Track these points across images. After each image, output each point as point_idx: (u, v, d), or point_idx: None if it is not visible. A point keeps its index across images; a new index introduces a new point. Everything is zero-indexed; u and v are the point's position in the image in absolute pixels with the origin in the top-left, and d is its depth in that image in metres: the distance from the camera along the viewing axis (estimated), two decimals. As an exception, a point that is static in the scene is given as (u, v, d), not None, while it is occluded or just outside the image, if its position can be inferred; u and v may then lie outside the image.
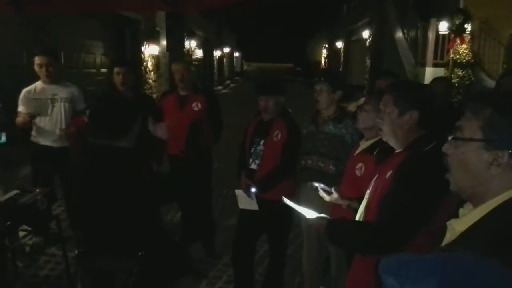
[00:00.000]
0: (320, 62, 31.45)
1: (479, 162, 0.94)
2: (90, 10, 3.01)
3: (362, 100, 2.98)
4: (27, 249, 3.68)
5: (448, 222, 1.03)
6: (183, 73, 3.55)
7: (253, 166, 2.85)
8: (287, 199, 1.97)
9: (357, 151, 2.33)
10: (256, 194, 2.72)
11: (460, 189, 1.00)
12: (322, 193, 2.19)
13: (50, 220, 3.35)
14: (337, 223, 1.73)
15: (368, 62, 15.06)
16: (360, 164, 2.24)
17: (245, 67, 47.65)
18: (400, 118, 1.62)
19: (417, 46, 10.39)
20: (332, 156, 2.64)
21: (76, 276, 1.99)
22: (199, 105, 3.57)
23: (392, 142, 1.68)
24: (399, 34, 11.88)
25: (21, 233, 3.36)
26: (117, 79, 3.53)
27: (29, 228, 3.02)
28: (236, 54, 37.24)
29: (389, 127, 1.66)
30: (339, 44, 22.22)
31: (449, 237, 1.02)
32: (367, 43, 15.38)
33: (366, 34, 15.32)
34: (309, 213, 1.81)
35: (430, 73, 9.34)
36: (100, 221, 1.92)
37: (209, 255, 3.71)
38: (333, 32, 24.82)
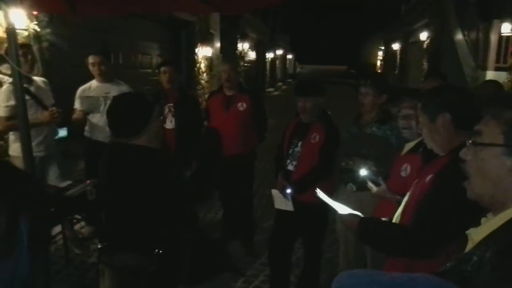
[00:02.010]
0: (375, 64, 30.65)
1: (500, 169, 0.90)
2: (140, 11, 3.16)
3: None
4: (80, 237, 3.95)
5: (467, 232, 1.00)
6: (229, 73, 3.64)
7: (290, 167, 2.86)
8: (321, 192, 1.97)
9: (403, 152, 2.30)
10: (291, 195, 2.73)
11: (479, 197, 0.96)
12: (370, 184, 2.18)
13: (99, 210, 3.56)
14: (370, 221, 1.71)
15: (425, 64, 14.47)
16: (405, 165, 2.20)
17: (298, 70, 47.44)
18: (432, 123, 1.58)
19: (478, 48, 9.84)
20: (373, 158, 2.61)
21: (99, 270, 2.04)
22: (244, 105, 3.64)
23: (433, 147, 1.64)
24: (459, 36, 11.31)
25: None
26: (163, 78, 3.69)
27: (79, 217, 3.23)
28: (289, 56, 37.17)
29: (426, 134, 1.64)
30: (396, 46, 21.52)
31: (470, 246, 0.99)
32: (425, 45, 14.78)
33: (424, 35, 14.73)
34: (342, 209, 1.80)
35: (491, 77, 8.79)
36: (117, 216, 1.97)
37: (248, 253, 3.77)
38: (390, 33, 24.07)
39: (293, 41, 38.53)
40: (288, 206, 2.78)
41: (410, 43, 18.82)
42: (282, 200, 2.81)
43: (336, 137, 2.80)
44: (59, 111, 3.41)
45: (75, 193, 2.70)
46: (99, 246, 2.02)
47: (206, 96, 9.64)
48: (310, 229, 2.89)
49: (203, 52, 10.68)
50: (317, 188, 2.01)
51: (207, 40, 10.87)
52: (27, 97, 3.26)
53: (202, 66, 10.82)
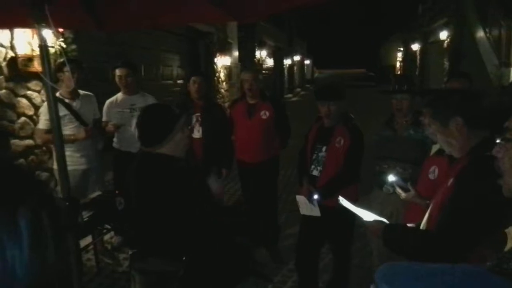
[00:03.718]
0: (394, 66, 30.30)
1: None
2: (162, 25, 3.25)
3: None
4: (109, 246, 4.03)
5: (506, 230, 0.99)
6: (251, 82, 3.67)
7: (315, 173, 2.85)
8: (343, 200, 1.96)
9: (431, 153, 2.28)
10: (318, 200, 2.72)
11: None
12: (398, 190, 2.16)
13: (127, 219, 3.63)
14: (395, 227, 1.70)
15: (446, 64, 14.22)
16: (433, 167, 2.18)
17: (316, 74, 47.30)
18: (446, 128, 1.58)
19: (501, 45, 9.61)
20: (410, 160, 2.59)
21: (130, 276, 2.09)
22: (267, 113, 3.66)
23: (451, 152, 1.63)
24: (480, 34, 11.09)
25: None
26: (193, 87, 3.75)
27: (109, 227, 3.29)
28: (307, 61, 37.14)
29: (441, 140, 1.64)
30: (415, 47, 21.23)
31: (510, 245, 0.98)
32: (445, 45, 14.54)
33: (444, 35, 14.49)
34: (367, 215, 1.79)
35: (516, 74, 8.60)
36: (145, 223, 2.01)
37: (274, 259, 3.77)
38: (408, 34, 23.79)
39: (310, 46, 38.51)
40: (314, 211, 2.77)
41: (430, 43, 18.54)
42: (308, 206, 2.80)
43: (362, 140, 2.78)
44: (91, 128, 3.51)
45: (105, 202, 2.77)
46: (129, 253, 2.06)
47: (226, 104, 9.74)
48: (337, 234, 2.88)
49: (222, 61, 10.81)
50: (340, 196, 2.01)
51: (225, 49, 10.99)
52: (67, 112, 3.41)
53: (222, 75, 10.95)
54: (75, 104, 3.52)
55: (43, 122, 3.46)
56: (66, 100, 3.47)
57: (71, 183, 3.44)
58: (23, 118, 4.04)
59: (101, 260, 3.70)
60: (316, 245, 3.01)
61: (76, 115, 3.48)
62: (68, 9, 2.00)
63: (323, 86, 2.99)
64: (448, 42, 14.25)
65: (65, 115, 3.42)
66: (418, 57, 20.85)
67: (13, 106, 3.94)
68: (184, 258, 1.92)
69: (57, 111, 1.62)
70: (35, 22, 1.46)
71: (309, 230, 2.95)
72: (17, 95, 3.99)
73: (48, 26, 1.51)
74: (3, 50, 3.78)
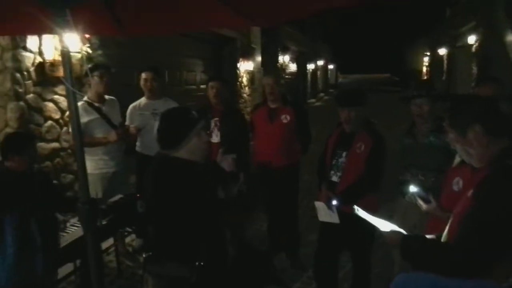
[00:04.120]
0: (420, 71, 29.73)
1: None
2: (184, 30, 3.29)
3: None
4: (130, 249, 4.08)
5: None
6: (272, 86, 3.66)
7: (334, 179, 2.81)
8: (359, 209, 1.92)
9: (454, 163, 2.20)
10: (337, 207, 2.68)
11: None
12: (419, 201, 2.10)
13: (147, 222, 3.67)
14: (413, 238, 1.64)
15: (474, 69, 13.84)
16: (457, 179, 2.09)
17: (340, 79, 46.90)
18: (464, 138, 1.52)
19: (533, 49, 9.28)
20: (432, 168, 2.52)
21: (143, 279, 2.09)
22: (288, 117, 3.64)
23: (471, 161, 1.57)
24: (510, 37, 10.76)
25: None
26: (211, 92, 3.77)
27: (130, 230, 3.34)
28: (331, 66, 36.90)
29: (460, 149, 1.58)
30: (442, 51, 20.78)
31: None
32: (474, 49, 14.16)
33: (472, 39, 14.12)
34: (383, 225, 1.74)
35: (549, 79, 8.27)
36: (160, 227, 2.01)
37: (293, 266, 3.73)
38: (435, 38, 23.31)
39: (335, 51, 38.22)
40: (333, 218, 2.73)
41: (457, 48, 18.10)
42: (327, 212, 2.76)
43: (383, 146, 2.73)
44: (123, 131, 3.57)
45: (126, 205, 2.81)
46: (144, 255, 2.08)
47: (249, 109, 9.77)
48: (356, 242, 2.82)
49: (245, 66, 10.86)
50: (355, 205, 1.96)
51: (248, 54, 11.04)
52: (97, 115, 3.48)
53: (244, 80, 11.00)
54: (104, 108, 3.59)
55: None
56: (96, 104, 3.54)
57: (101, 185, 3.56)
58: (49, 122, 4.15)
59: (122, 262, 3.75)
60: (335, 253, 2.96)
61: (105, 118, 3.55)
62: (91, 15, 2.04)
63: (343, 91, 2.95)
64: (476, 46, 13.88)
65: (95, 118, 3.50)
66: (445, 61, 20.40)
67: (40, 110, 4.06)
68: (197, 263, 1.92)
69: (77, 116, 1.65)
70: (57, 27, 1.49)
71: (328, 238, 2.90)
72: (44, 99, 4.11)
73: (70, 31, 1.54)
74: (32, 55, 3.91)
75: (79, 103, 3.41)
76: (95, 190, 3.53)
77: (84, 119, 3.40)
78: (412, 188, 2.18)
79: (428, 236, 1.73)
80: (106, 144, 3.51)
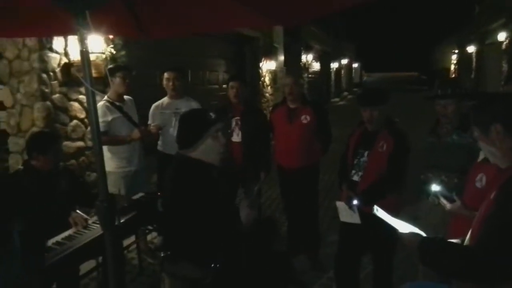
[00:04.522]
0: (448, 69, 29.00)
1: None
2: (206, 30, 3.31)
3: None
4: (152, 246, 4.13)
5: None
6: (292, 86, 3.64)
7: (356, 178, 2.78)
8: (379, 209, 1.87)
9: (479, 159, 2.13)
10: (359, 206, 2.64)
11: None
12: (442, 200, 2.04)
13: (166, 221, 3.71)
14: (432, 241, 1.58)
15: (504, 67, 13.40)
16: (480, 175, 2.03)
17: (364, 78, 46.25)
18: (487, 137, 1.47)
19: None
20: (456, 168, 2.45)
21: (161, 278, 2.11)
22: (308, 117, 3.61)
23: (494, 161, 1.51)
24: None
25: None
26: (231, 92, 3.78)
27: (151, 227, 3.37)
28: (355, 65, 36.46)
29: (484, 148, 1.54)
30: (471, 49, 20.20)
31: None
32: (504, 46, 13.71)
33: (502, 36, 13.67)
34: (402, 226, 1.69)
35: None
36: (176, 227, 2.02)
37: (313, 267, 3.69)
38: (464, 36, 22.68)
39: (359, 49, 37.78)
40: (354, 218, 2.69)
41: (487, 45, 17.55)
42: (348, 212, 2.72)
43: (406, 146, 2.68)
44: (145, 129, 3.62)
45: (147, 203, 2.84)
46: (161, 255, 2.10)
47: (271, 108, 9.76)
48: (378, 243, 2.76)
49: (267, 66, 10.85)
50: (375, 205, 1.92)
51: (271, 54, 11.03)
52: (119, 114, 3.54)
53: (267, 79, 10.99)
54: (125, 107, 3.65)
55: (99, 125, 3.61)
56: (117, 103, 3.60)
57: (124, 184, 3.62)
58: (75, 121, 4.26)
59: (144, 260, 3.80)
60: (356, 254, 2.91)
61: (127, 116, 3.61)
62: (112, 17, 2.07)
63: (365, 91, 2.91)
64: (507, 43, 13.44)
65: (118, 117, 3.56)
66: (474, 59, 19.83)
67: (65, 110, 4.16)
68: (213, 265, 1.92)
69: (96, 115, 1.68)
70: (77, 28, 1.52)
71: (349, 238, 2.86)
72: (69, 99, 4.22)
73: (90, 33, 1.56)
74: (57, 56, 4.01)
75: (101, 103, 3.49)
76: (118, 188, 3.61)
77: (108, 117, 3.48)
78: (435, 187, 2.12)
79: (449, 240, 1.68)
80: (129, 142, 3.57)
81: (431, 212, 2.58)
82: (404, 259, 3.54)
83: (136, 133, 3.54)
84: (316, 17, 10.20)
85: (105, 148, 3.55)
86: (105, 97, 3.58)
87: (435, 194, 2.09)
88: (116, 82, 3.58)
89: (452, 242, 1.62)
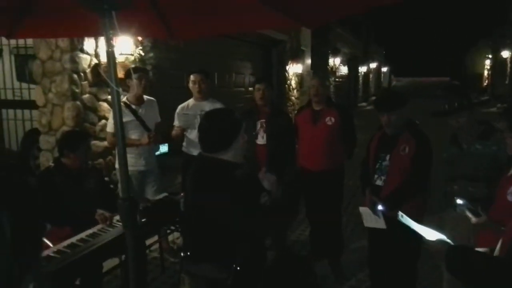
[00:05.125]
0: (481, 74, 28.16)
1: None
2: (231, 31, 3.33)
3: None
4: (175, 247, 4.17)
5: None
6: (317, 88, 3.60)
7: (379, 182, 2.73)
8: (404, 215, 1.82)
9: (510, 172, 2.04)
10: (384, 211, 2.58)
11: None
12: (468, 214, 1.97)
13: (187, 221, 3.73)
14: (460, 250, 1.52)
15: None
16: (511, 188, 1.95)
17: (394, 83, 45.49)
18: None
19: None
20: (481, 178, 2.36)
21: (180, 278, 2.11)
22: (333, 120, 3.56)
23: None
24: None
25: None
26: (257, 94, 3.78)
27: (174, 227, 3.39)
28: (384, 69, 35.91)
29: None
30: (505, 54, 19.53)
31: None
32: (542, 51, 13.19)
33: (540, 40, 13.16)
34: (429, 234, 1.63)
35: None
36: (199, 228, 2.01)
37: (335, 274, 3.63)
38: (498, 40, 21.96)
39: (389, 53, 37.21)
40: (379, 223, 2.64)
41: (524, 50, 16.94)
42: (372, 217, 2.67)
43: (429, 147, 2.63)
44: (155, 135, 3.65)
45: (169, 203, 2.86)
46: (182, 255, 2.10)
47: (296, 112, 9.71)
48: (401, 250, 2.69)
49: (294, 69, 10.81)
50: (400, 211, 1.87)
51: (297, 57, 10.99)
52: (133, 117, 3.61)
53: (293, 82, 10.95)
54: (141, 110, 3.71)
55: (110, 125, 3.70)
56: (133, 106, 3.66)
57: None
58: (103, 121, 4.35)
59: (166, 259, 3.83)
60: (387, 258, 2.85)
61: (141, 121, 3.67)
62: (139, 18, 2.11)
63: (381, 96, 2.87)
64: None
65: (131, 121, 3.61)
66: (509, 64, 19.16)
67: (95, 110, 4.27)
68: (234, 266, 1.90)
69: (120, 115, 1.70)
70: (104, 30, 1.55)
71: (377, 244, 2.82)
72: (99, 99, 4.32)
73: (116, 34, 1.59)
74: (88, 57, 4.12)
75: None
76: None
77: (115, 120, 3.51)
78: (459, 201, 2.04)
79: (478, 249, 1.61)
80: (138, 146, 3.63)
81: (458, 224, 2.50)
82: (430, 270, 3.43)
83: (144, 139, 3.60)
84: (340, 18, 10.10)
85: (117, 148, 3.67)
86: (123, 99, 3.63)
87: (461, 208, 2.02)
88: (132, 84, 3.63)
89: (481, 252, 1.55)
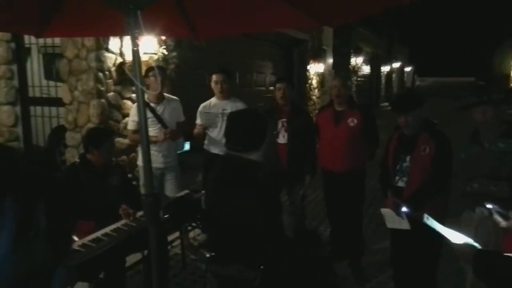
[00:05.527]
0: (508, 75, 27.35)
1: None
2: (250, 31, 3.34)
3: None
4: (195, 243, 4.21)
5: None
6: (339, 88, 3.57)
7: (400, 184, 2.70)
8: (429, 218, 1.78)
9: None
10: (407, 213, 2.55)
11: None
12: (496, 217, 1.92)
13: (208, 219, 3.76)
14: (489, 254, 1.48)
15: None
16: None
17: (417, 83, 44.69)
18: None
19: None
20: (504, 177, 2.31)
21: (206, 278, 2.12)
22: (355, 121, 3.53)
23: None
24: None
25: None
26: (278, 94, 3.78)
27: (195, 225, 3.43)
28: (407, 69, 35.30)
29: None
30: (535, 54, 18.91)
31: None
32: None
33: None
34: (455, 237, 1.60)
35: None
36: (225, 228, 2.00)
37: (354, 275, 3.60)
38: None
39: (412, 53, 36.55)
40: (403, 224, 2.61)
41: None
42: (395, 219, 2.64)
43: (449, 146, 2.61)
44: (172, 131, 3.71)
45: (190, 201, 2.90)
46: (207, 255, 2.11)
47: (317, 111, 9.65)
48: (425, 249, 2.65)
49: (315, 68, 10.75)
50: (425, 214, 1.84)
51: (319, 56, 10.92)
52: (151, 115, 3.66)
53: (314, 82, 10.89)
54: (159, 108, 3.77)
55: (130, 123, 3.79)
56: (152, 104, 3.72)
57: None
58: (127, 119, 4.43)
59: (187, 255, 3.88)
60: (411, 260, 2.82)
61: (158, 118, 3.72)
62: (164, 17, 2.14)
63: (397, 97, 2.84)
64: None
65: (148, 118, 3.67)
66: (539, 64, 18.54)
67: (119, 107, 4.35)
68: (261, 266, 1.90)
69: (145, 113, 1.74)
70: (128, 28, 1.58)
71: (401, 245, 2.80)
72: (123, 98, 4.40)
73: (141, 33, 1.62)
74: (113, 56, 4.21)
75: (136, 103, 3.63)
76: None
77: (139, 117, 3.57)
78: (489, 205, 2.00)
79: (507, 254, 1.57)
80: (155, 143, 3.68)
81: (479, 227, 2.45)
82: (454, 273, 3.37)
83: (160, 135, 3.66)
84: (361, 17, 9.99)
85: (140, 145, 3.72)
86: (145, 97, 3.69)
87: (489, 211, 1.97)
88: (148, 82, 3.68)
89: (511, 257, 1.51)
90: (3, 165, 0.47)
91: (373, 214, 4.90)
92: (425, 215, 1.83)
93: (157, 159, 3.77)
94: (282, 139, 3.74)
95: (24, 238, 0.46)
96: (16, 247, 0.44)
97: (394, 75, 26.89)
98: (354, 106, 3.64)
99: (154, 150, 3.71)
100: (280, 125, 3.76)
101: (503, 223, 1.84)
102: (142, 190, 3.61)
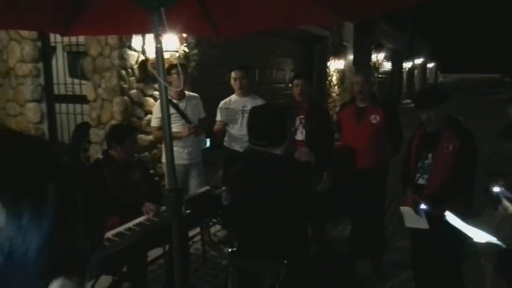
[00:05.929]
0: (537, 70, 26.49)
1: None
2: (271, 28, 3.33)
3: None
4: (216, 239, 4.25)
5: None
6: (362, 84, 3.53)
7: (421, 181, 2.66)
8: (451, 215, 1.75)
9: None
10: (427, 210, 2.51)
11: None
12: (506, 203, 1.88)
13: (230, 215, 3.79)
14: None
15: None
16: None
17: (440, 79, 43.76)
18: None
19: None
20: None
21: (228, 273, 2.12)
22: (378, 118, 3.49)
23: None
24: None
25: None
26: (295, 90, 3.77)
27: (215, 220, 3.47)
28: (430, 65, 34.61)
29: None
30: None
31: None
32: None
33: None
34: (478, 235, 1.57)
35: None
36: (250, 222, 2.01)
37: (376, 273, 3.56)
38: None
39: (435, 49, 35.79)
40: (422, 223, 2.57)
41: None
42: (414, 217, 2.60)
43: (473, 144, 2.55)
44: (196, 126, 3.75)
45: (211, 196, 2.92)
46: (229, 250, 2.13)
47: (337, 108, 9.57)
48: (446, 248, 2.61)
49: (335, 65, 10.65)
50: (447, 211, 1.80)
51: (339, 52, 10.81)
52: (174, 111, 3.70)
53: (334, 79, 10.79)
54: (181, 105, 3.80)
55: (154, 120, 3.84)
56: (174, 101, 3.76)
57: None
58: (149, 116, 4.50)
59: (207, 251, 3.92)
60: (431, 261, 2.78)
61: (182, 114, 3.76)
62: (186, 15, 2.15)
63: (419, 93, 2.79)
64: None
65: (172, 114, 3.71)
66: None
67: (141, 105, 4.42)
68: (285, 261, 1.90)
69: (168, 110, 1.76)
70: (152, 25, 1.60)
71: (421, 245, 2.75)
72: (145, 95, 4.47)
73: (165, 31, 1.64)
74: (136, 54, 4.27)
75: (159, 100, 3.67)
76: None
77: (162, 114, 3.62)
78: (496, 188, 1.94)
79: None
80: (179, 138, 3.72)
81: (500, 226, 2.39)
82: (474, 274, 3.29)
83: (184, 131, 3.69)
84: (384, 12, 9.83)
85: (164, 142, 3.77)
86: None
87: (497, 195, 1.92)
88: (171, 80, 3.72)
89: None
90: (45, 151, 0.49)
91: (394, 212, 4.83)
92: (447, 212, 1.80)
93: (182, 156, 3.81)
94: (300, 135, 3.73)
95: (64, 224, 0.47)
96: (56, 232, 0.45)
97: (416, 72, 26.41)
98: (377, 103, 3.59)
99: (179, 147, 3.76)
100: (298, 121, 3.75)
101: (511, 208, 1.80)
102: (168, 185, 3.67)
